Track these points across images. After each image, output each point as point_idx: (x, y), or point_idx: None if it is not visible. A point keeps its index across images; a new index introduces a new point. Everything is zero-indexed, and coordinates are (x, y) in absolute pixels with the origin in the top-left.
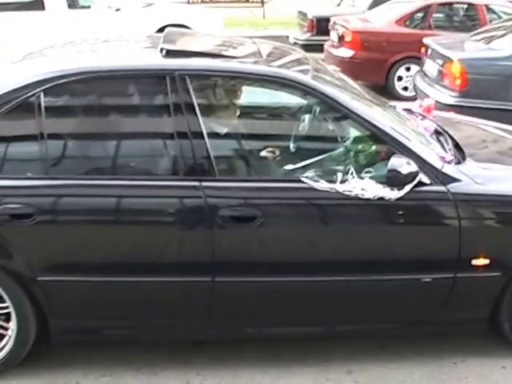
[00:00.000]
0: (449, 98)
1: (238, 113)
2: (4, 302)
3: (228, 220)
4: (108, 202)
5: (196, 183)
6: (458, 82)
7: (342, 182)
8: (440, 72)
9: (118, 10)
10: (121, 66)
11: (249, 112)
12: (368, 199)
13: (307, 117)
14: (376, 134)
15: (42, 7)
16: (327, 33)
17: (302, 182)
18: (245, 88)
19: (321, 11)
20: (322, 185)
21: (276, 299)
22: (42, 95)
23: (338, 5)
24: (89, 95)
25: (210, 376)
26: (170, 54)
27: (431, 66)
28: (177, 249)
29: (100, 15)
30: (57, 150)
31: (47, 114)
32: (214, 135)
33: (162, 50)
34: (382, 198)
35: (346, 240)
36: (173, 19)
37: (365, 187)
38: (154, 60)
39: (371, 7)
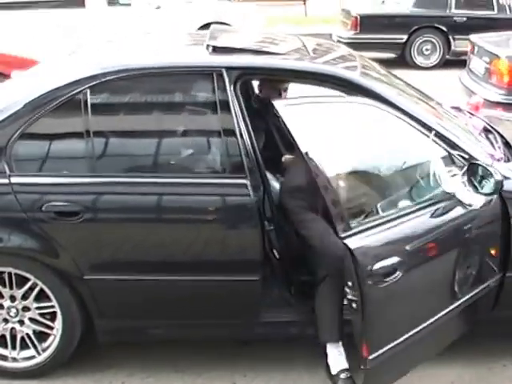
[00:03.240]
0: (496, 95)
1: None
2: (50, 300)
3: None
4: (155, 200)
5: (244, 181)
6: (506, 79)
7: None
8: (487, 69)
9: (158, 7)
10: (166, 62)
11: None
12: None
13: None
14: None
15: (82, 4)
16: (371, 31)
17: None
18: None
19: (365, 9)
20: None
21: None
22: (88, 92)
23: (383, 2)
24: (135, 92)
25: (257, 377)
26: (216, 50)
27: (478, 64)
28: (224, 247)
29: (140, 13)
30: (104, 148)
31: (94, 112)
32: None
33: (208, 46)
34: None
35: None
36: (214, 17)
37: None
38: (201, 57)
39: (417, 3)
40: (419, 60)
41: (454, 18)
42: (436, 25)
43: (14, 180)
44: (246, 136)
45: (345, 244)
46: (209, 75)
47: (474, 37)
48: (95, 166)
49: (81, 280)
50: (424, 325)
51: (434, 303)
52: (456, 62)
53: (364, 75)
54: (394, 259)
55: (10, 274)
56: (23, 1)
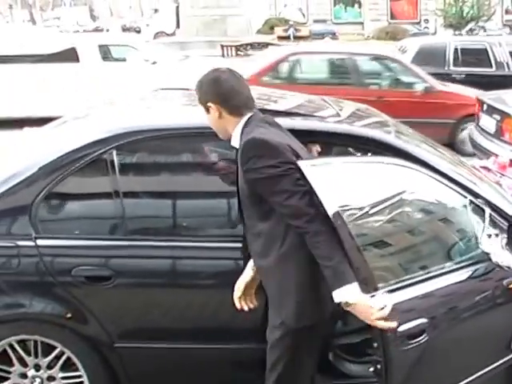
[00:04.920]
0: (510, 153)
1: None
2: (77, 370)
3: None
4: (190, 264)
5: None
6: None
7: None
8: (499, 127)
9: (154, 63)
10: (195, 123)
11: None
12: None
13: None
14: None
15: (76, 59)
16: None
17: None
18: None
19: None
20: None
21: None
22: (114, 152)
23: None
24: (164, 152)
25: None
26: None
27: (488, 122)
28: (259, 313)
29: (135, 68)
30: (133, 209)
31: (121, 171)
32: None
33: None
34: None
35: None
36: None
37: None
38: None
39: (415, 61)
40: None
41: (453, 76)
42: None
43: (40, 242)
44: None
45: None
46: None
47: (481, 95)
48: (127, 228)
49: (111, 348)
50: None
51: (465, 368)
52: None
53: (398, 136)
54: (421, 321)
55: (35, 341)
56: (16, 55)
